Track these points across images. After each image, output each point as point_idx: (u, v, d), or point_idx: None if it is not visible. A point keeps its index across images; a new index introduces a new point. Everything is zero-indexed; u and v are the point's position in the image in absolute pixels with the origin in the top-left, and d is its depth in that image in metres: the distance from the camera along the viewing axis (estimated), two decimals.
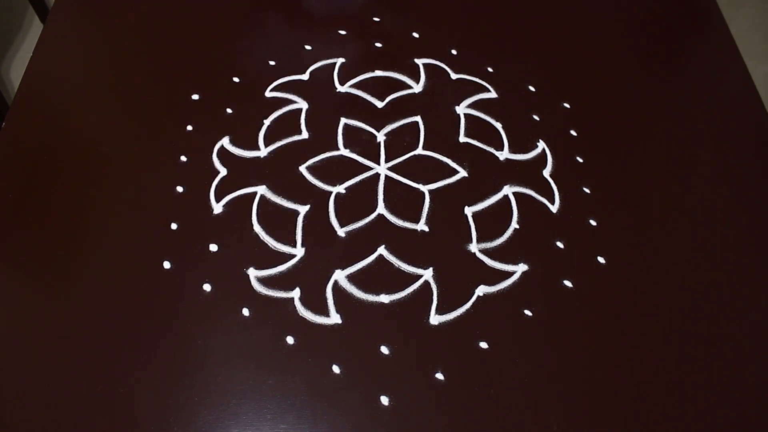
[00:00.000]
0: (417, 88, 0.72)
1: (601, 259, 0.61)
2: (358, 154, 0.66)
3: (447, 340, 0.56)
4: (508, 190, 0.65)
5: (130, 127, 0.67)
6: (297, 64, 0.73)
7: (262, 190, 0.64)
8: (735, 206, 0.65)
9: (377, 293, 0.58)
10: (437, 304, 0.58)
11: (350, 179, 0.65)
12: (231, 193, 0.63)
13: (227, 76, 0.72)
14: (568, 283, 0.59)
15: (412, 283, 0.59)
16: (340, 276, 0.59)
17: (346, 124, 0.69)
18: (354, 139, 0.68)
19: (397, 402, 0.53)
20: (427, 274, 0.59)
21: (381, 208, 0.63)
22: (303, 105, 0.70)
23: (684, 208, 0.65)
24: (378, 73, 0.73)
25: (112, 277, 0.58)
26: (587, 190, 0.65)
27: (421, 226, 0.62)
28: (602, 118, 0.71)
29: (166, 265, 0.59)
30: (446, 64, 0.74)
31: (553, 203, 0.64)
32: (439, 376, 0.54)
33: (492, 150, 0.68)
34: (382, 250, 0.60)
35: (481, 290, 0.59)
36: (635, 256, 0.61)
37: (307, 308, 0.57)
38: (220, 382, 0.53)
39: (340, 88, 0.72)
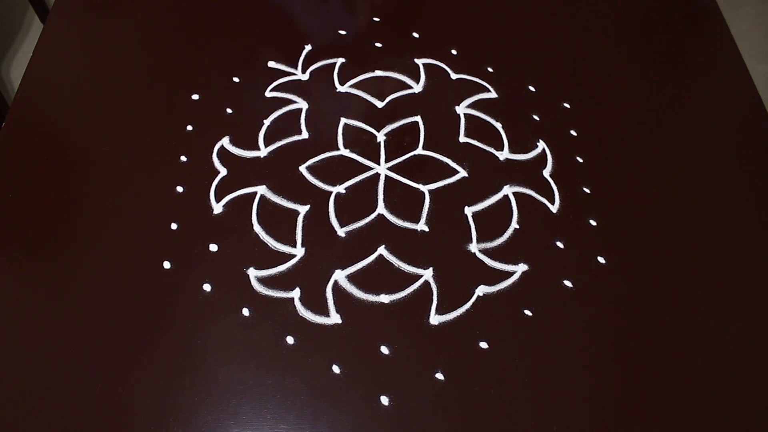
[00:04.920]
0: (417, 88, 0.72)
1: (601, 259, 0.61)
2: (358, 154, 0.66)
3: (447, 340, 0.56)
4: (508, 190, 0.65)
5: (130, 127, 0.67)
6: (297, 64, 0.73)
7: (262, 190, 0.64)
8: (735, 206, 0.65)
9: (377, 293, 0.58)
10: (437, 304, 0.58)
11: (350, 179, 0.65)
12: (231, 193, 0.63)
13: (227, 76, 0.72)
14: (568, 283, 0.59)
15: (412, 283, 0.59)
16: (340, 276, 0.59)
17: (346, 124, 0.69)
18: (354, 139, 0.68)
19: (397, 402, 0.53)
20: (427, 274, 0.59)
21: (381, 208, 0.63)
22: (303, 105, 0.70)
23: (684, 208, 0.65)
24: (378, 73, 0.73)
25: (112, 277, 0.58)
26: (587, 190, 0.65)
27: (421, 226, 0.62)
28: (602, 118, 0.71)
29: (166, 265, 0.59)
30: (446, 64, 0.74)
31: (553, 203, 0.64)
32: (439, 376, 0.54)
33: (492, 150, 0.68)
34: (382, 250, 0.60)
35: (481, 290, 0.59)
36: (635, 256, 0.61)
37: (307, 308, 0.57)
38: (220, 382, 0.53)
39: (340, 88, 0.72)
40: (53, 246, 0.60)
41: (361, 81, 0.72)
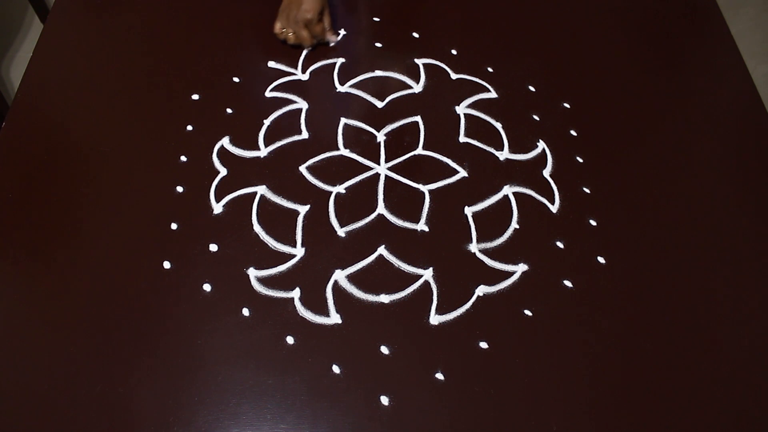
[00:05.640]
0: (417, 88, 0.72)
1: (601, 259, 0.61)
2: (358, 154, 0.66)
3: (447, 340, 0.56)
4: (508, 190, 0.65)
5: (130, 127, 0.67)
6: (296, 64, 0.73)
7: (262, 190, 0.64)
8: (734, 206, 0.65)
9: (377, 293, 0.58)
10: (437, 304, 0.58)
11: (350, 179, 0.65)
12: (231, 193, 0.63)
13: (227, 76, 0.72)
14: (568, 283, 0.59)
15: (412, 283, 0.59)
16: (340, 276, 0.59)
17: (346, 124, 0.69)
18: (354, 139, 0.68)
19: (397, 402, 0.53)
20: (427, 274, 0.59)
21: (381, 208, 0.63)
22: (303, 105, 0.70)
23: (684, 208, 0.65)
24: (378, 73, 0.73)
25: (112, 277, 0.58)
26: (587, 190, 0.65)
27: (421, 226, 0.62)
28: (602, 118, 0.71)
29: (166, 265, 0.59)
30: (446, 64, 0.74)
31: (553, 203, 0.64)
32: (439, 376, 0.54)
33: (492, 150, 0.68)
34: (382, 250, 0.60)
35: (481, 290, 0.59)
36: (635, 256, 0.61)
37: (307, 308, 0.57)
38: (220, 382, 0.53)
39: (340, 88, 0.72)
40: (53, 246, 0.60)
41: (361, 81, 0.72)
